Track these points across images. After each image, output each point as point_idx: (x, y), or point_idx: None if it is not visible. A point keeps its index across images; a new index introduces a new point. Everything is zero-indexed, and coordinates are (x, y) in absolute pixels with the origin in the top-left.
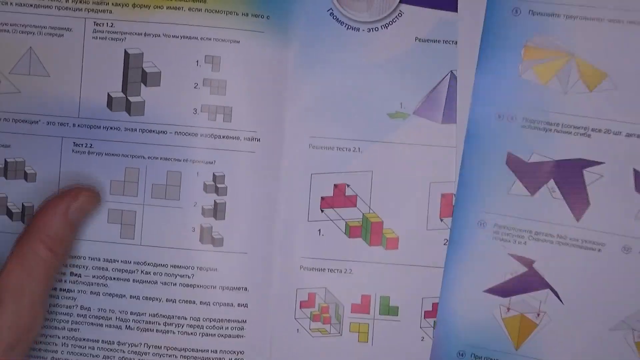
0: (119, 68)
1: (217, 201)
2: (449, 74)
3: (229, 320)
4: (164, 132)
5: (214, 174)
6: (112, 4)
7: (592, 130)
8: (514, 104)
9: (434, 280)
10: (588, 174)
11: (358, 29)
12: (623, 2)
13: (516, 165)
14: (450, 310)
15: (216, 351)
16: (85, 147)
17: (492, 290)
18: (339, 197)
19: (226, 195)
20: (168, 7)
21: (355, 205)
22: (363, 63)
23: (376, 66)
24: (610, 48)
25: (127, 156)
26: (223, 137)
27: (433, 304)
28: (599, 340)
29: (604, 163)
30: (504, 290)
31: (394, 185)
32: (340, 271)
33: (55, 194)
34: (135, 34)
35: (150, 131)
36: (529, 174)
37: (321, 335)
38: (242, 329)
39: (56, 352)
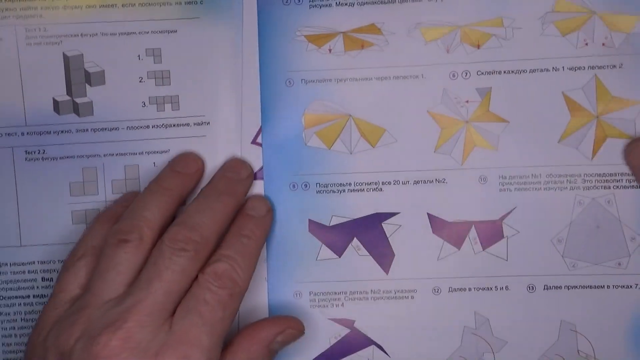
0: (60, 71)
1: None
2: None
3: None
4: (116, 128)
5: None
6: (42, 7)
7: (383, 183)
8: (305, 172)
9: None
10: (387, 226)
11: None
12: (386, 60)
13: (319, 231)
14: None
15: None
16: (38, 153)
17: (319, 359)
18: None
19: None
20: (101, 5)
21: None
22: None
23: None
24: (383, 104)
25: (83, 157)
26: (174, 125)
27: None
28: None
29: (399, 213)
30: (331, 355)
31: None
32: None
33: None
34: (72, 35)
35: (102, 129)
36: (333, 237)
37: None
38: None
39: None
